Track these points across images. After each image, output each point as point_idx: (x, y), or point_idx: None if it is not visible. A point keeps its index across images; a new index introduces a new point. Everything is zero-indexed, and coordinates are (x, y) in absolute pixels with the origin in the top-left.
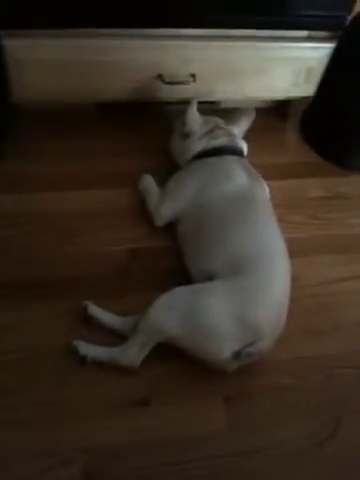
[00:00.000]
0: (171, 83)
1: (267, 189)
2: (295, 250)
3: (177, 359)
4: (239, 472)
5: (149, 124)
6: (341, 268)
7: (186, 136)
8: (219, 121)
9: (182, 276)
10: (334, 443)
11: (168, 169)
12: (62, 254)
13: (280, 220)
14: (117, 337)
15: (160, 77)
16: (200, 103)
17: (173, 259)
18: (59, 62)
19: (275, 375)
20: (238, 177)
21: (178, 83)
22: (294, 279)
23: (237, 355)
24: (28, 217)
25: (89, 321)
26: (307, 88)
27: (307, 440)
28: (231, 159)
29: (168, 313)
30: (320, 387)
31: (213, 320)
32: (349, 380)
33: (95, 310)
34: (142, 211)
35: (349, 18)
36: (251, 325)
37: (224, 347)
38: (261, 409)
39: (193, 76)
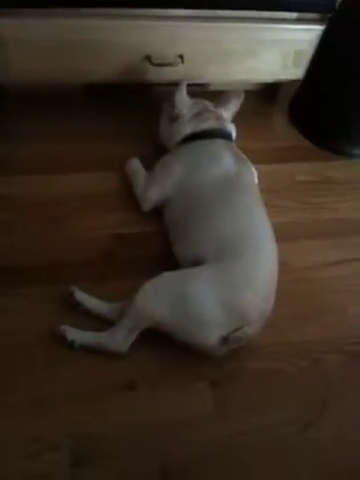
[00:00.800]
0: (159, 65)
1: (255, 173)
2: (282, 235)
3: (164, 343)
4: (225, 456)
5: (137, 107)
6: (328, 253)
7: (174, 119)
8: (208, 104)
9: (169, 261)
10: (319, 428)
11: (156, 152)
12: (48, 238)
13: (267, 204)
14: (104, 322)
15: (148, 58)
16: (189, 85)
17: (160, 244)
18: (45, 42)
19: (262, 360)
20: (225, 161)
21: (166, 65)
22: (281, 264)
23: (225, 340)
24: (14, 200)
25: (76, 307)
26: (296, 71)
27: (293, 424)
28: (219, 143)
29: (156, 298)
30: (306, 372)
31: (201, 305)
32: (335, 365)
33: (82, 296)
34: (129, 195)
35: (338, 0)
36: (238, 310)
37: (212, 332)
38: (248, 393)
39: (181, 57)
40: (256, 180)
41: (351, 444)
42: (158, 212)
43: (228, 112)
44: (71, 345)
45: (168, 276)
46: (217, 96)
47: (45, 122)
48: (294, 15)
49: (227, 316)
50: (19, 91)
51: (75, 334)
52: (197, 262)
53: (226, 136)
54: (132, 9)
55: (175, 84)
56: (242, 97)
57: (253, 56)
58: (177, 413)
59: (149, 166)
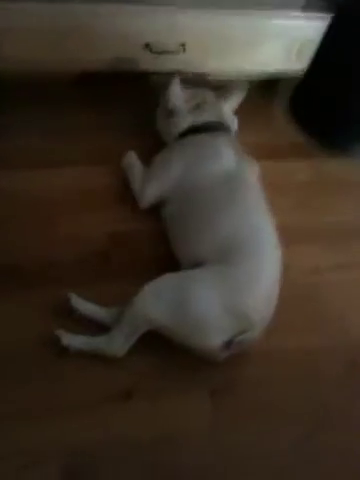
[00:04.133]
0: (160, 53)
1: (257, 170)
2: (282, 237)
3: (161, 350)
4: (224, 466)
5: (134, 97)
6: (329, 256)
7: (171, 113)
8: (208, 93)
9: (167, 262)
10: (321, 437)
11: (154, 145)
12: (40, 236)
13: (267, 204)
14: (101, 326)
15: (148, 46)
16: (188, 74)
17: (157, 244)
18: (39, 29)
19: (262, 367)
20: (226, 156)
21: (167, 53)
22: (281, 268)
23: (228, 344)
24: (2, 195)
25: (72, 313)
26: (299, 64)
27: (294, 434)
28: (219, 137)
29: (155, 301)
30: (307, 379)
31: (203, 309)
32: (334, 374)
33: (78, 301)
34: (125, 191)
35: None
36: (242, 313)
37: (214, 336)
38: (248, 402)
39: (183, 46)
40: (258, 176)
41: (354, 453)
42: (156, 209)
43: (229, 104)
44: (66, 350)
45: (169, 278)
46: (219, 87)
47: (36, 114)
48: (299, 6)
49: (230, 320)
50: (8, 81)
51: (70, 339)
52: (199, 263)
53: (226, 129)
54: None
55: (174, 74)
56: (246, 89)
57: (255, 47)
58: (175, 423)
59: (147, 160)
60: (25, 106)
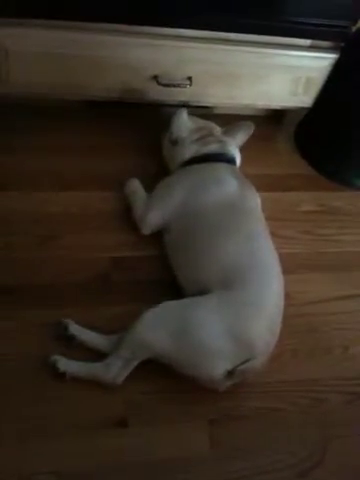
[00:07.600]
0: (167, 85)
1: (259, 200)
2: (285, 266)
3: (159, 376)
4: None
5: (140, 123)
6: (332, 287)
7: (175, 142)
8: (213, 126)
9: (168, 288)
10: (320, 471)
11: (157, 173)
12: (39, 259)
13: (270, 234)
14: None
15: (155, 78)
16: (194, 107)
17: (158, 270)
18: (49, 55)
19: (262, 398)
20: (228, 184)
21: (174, 86)
22: (284, 297)
23: (231, 373)
24: (6, 216)
25: (70, 340)
26: (305, 99)
27: (293, 468)
28: (222, 166)
29: (156, 328)
30: (307, 412)
31: (205, 337)
32: (336, 406)
33: (76, 329)
34: (127, 216)
35: (353, 29)
36: (246, 341)
37: (217, 365)
38: (247, 433)
39: (190, 79)
40: (260, 206)
41: None
42: (157, 235)
43: (235, 141)
44: (62, 376)
45: (170, 304)
46: (226, 125)
47: (41, 135)
48: (307, 42)
49: (234, 348)
50: (15, 101)
51: (67, 365)
52: (202, 290)
53: (228, 160)
54: (141, 27)
55: (182, 105)
56: (252, 130)
57: (262, 81)
58: (170, 453)
59: (150, 187)
60: (32, 126)
